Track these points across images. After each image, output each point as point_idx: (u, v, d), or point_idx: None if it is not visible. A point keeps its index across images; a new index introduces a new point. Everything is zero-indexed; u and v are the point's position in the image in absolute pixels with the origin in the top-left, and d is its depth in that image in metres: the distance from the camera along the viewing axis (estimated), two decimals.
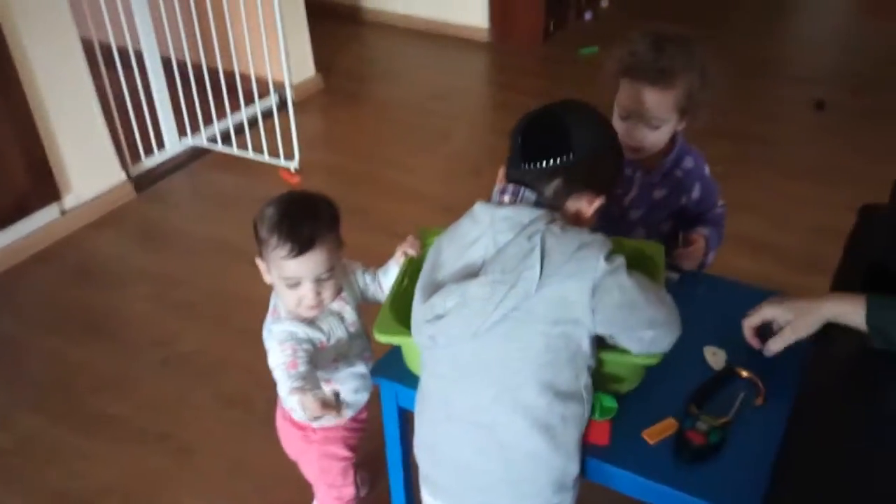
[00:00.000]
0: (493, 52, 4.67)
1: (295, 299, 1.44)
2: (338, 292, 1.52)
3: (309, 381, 1.36)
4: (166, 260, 2.97)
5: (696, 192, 1.72)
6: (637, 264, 1.49)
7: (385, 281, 1.60)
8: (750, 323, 1.40)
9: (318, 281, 1.43)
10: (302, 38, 3.95)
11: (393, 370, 1.46)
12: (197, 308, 2.70)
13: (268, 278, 1.48)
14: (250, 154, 3.46)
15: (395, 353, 1.46)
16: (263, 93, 3.46)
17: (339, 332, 1.52)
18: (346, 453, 1.68)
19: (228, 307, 2.68)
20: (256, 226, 1.44)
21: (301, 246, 1.39)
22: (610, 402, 1.32)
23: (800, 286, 2.50)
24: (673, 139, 1.67)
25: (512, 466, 1.21)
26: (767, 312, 1.37)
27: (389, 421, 1.54)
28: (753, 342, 1.40)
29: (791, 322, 1.34)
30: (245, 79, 3.42)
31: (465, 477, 1.26)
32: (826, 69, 4.49)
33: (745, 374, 1.38)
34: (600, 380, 1.33)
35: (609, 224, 1.73)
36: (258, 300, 2.56)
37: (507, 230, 1.18)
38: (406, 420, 1.51)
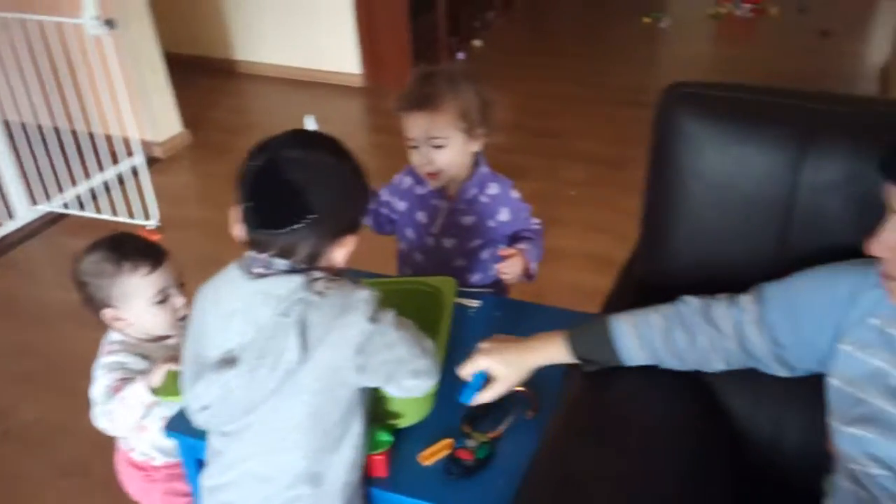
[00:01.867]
0: (366, 96, 4.73)
1: (169, 315, 1.51)
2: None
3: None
4: (14, 329, 2.90)
5: (504, 216, 1.80)
6: (428, 300, 1.55)
7: None
8: (464, 373, 1.37)
9: (180, 288, 1.54)
10: (164, 95, 3.94)
11: (187, 425, 1.42)
12: (40, 376, 2.64)
13: (119, 325, 1.50)
14: (107, 216, 3.42)
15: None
16: (120, 153, 3.43)
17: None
18: (189, 489, 1.66)
19: (73, 374, 2.56)
20: (84, 279, 1.48)
21: (156, 257, 1.49)
22: (384, 437, 1.35)
23: None
24: (475, 167, 1.77)
25: None
26: (481, 363, 1.35)
27: (192, 474, 1.52)
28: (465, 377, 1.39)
29: (503, 376, 1.34)
30: (106, 139, 3.39)
31: None
32: None
33: (520, 388, 1.41)
34: (380, 416, 1.37)
35: (426, 255, 1.83)
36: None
37: (262, 305, 1.14)
38: None
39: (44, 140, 3.38)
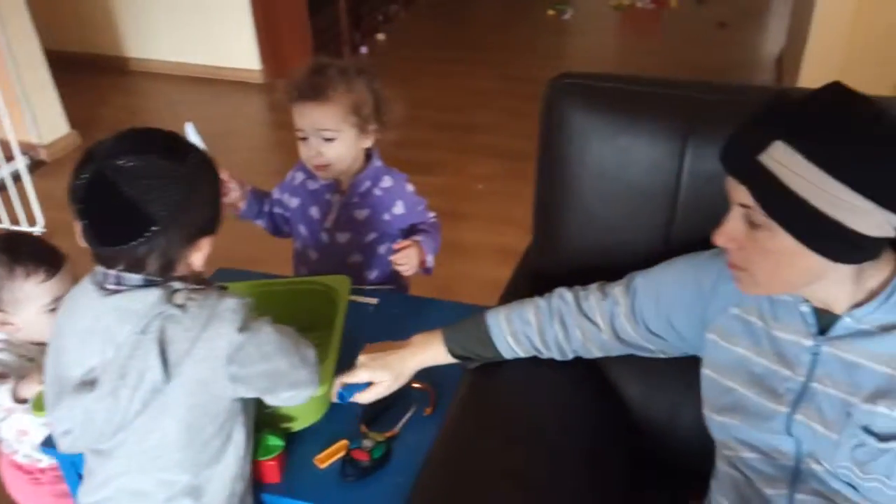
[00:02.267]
0: (267, 92, 4.63)
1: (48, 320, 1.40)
2: None
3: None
4: None
5: (398, 209, 1.79)
6: (322, 299, 1.53)
7: None
8: (347, 381, 1.35)
9: None
10: (48, 94, 3.74)
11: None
12: None
13: (10, 329, 1.43)
14: None
15: None
16: (7, 157, 3.26)
17: None
18: None
19: None
20: None
21: (53, 263, 1.41)
22: (275, 441, 1.32)
23: None
24: (368, 161, 1.76)
25: None
26: (363, 375, 1.34)
27: (72, 488, 1.47)
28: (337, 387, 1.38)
29: (385, 382, 1.34)
30: None
31: None
32: None
33: (417, 385, 1.42)
34: (271, 420, 1.35)
35: (321, 252, 1.80)
36: None
37: (119, 322, 1.07)
38: None
39: None
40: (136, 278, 1.08)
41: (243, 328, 1.10)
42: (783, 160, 0.92)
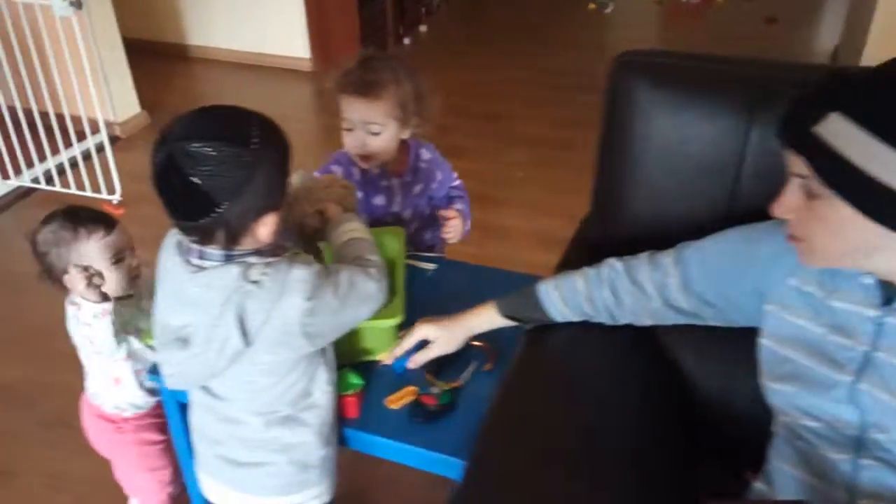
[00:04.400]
0: (315, 80, 4.83)
1: (124, 275, 1.60)
2: None
3: None
4: None
5: (440, 175, 1.97)
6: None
7: None
8: (407, 344, 1.49)
9: (131, 251, 1.62)
10: (123, 76, 4.04)
11: None
12: (19, 341, 2.78)
13: (79, 286, 1.50)
14: (73, 191, 3.55)
15: None
16: (85, 132, 3.55)
17: (140, 322, 1.65)
18: (159, 437, 1.79)
19: (49, 338, 2.71)
20: (45, 249, 1.56)
21: (109, 221, 1.58)
22: (355, 379, 1.47)
23: None
24: (405, 142, 1.87)
25: (257, 450, 1.35)
26: (420, 333, 1.48)
27: (172, 417, 1.65)
28: (396, 355, 1.51)
29: (440, 339, 1.47)
30: (64, 119, 3.50)
31: (220, 452, 1.39)
32: None
33: (477, 343, 1.54)
34: (350, 352, 1.51)
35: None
36: None
37: (203, 295, 1.18)
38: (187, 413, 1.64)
39: (12, 119, 3.48)
40: (216, 254, 1.18)
41: (311, 296, 1.19)
42: (839, 131, 0.92)
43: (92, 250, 1.56)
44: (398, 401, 1.48)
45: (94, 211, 1.62)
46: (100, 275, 1.52)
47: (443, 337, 1.48)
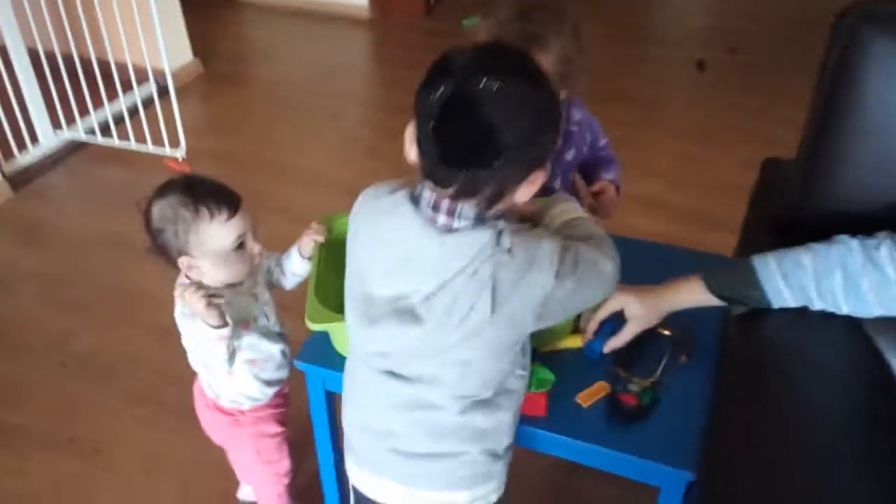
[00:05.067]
0: (374, 28, 4.64)
1: (245, 261, 1.45)
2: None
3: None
4: (52, 259, 2.83)
5: (590, 136, 1.78)
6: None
7: (288, 265, 1.62)
8: (599, 316, 1.38)
9: (254, 234, 1.46)
10: (177, 22, 3.81)
11: (318, 355, 1.46)
12: (91, 306, 2.60)
13: (194, 273, 1.42)
14: (133, 145, 3.32)
15: (318, 337, 1.46)
16: (140, 81, 3.33)
17: (254, 310, 1.53)
18: (278, 429, 1.69)
19: (124, 303, 2.59)
20: (161, 225, 1.40)
21: (234, 201, 1.41)
22: (546, 374, 1.34)
23: (696, 242, 2.63)
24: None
25: (445, 439, 1.22)
26: (617, 303, 1.36)
27: (317, 406, 1.54)
28: (590, 335, 1.39)
29: (638, 315, 1.35)
30: (121, 67, 3.27)
31: (394, 445, 1.25)
32: (700, 30, 4.69)
33: (666, 332, 1.40)
34: (539, 339, 1.34)
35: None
36: (154, 295, 2.54)
37: (449, 260, 1.05)
38: (332, 402, 1.53)
39: (62, 67, 3.25)
40: (470, 214, 1.05)
41: (558, 273, 1.08)
42: None
43: (214, 234, 1.40)
44: (590, 398, 1.34)
45: (215, 185, 1.44)
46: (219, 295, 1.39)
47: (642, 312, 1.35)
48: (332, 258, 1.45)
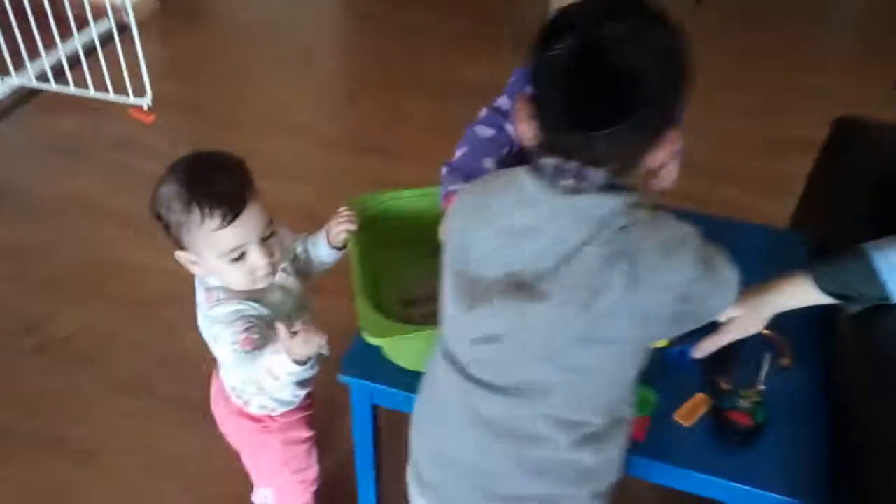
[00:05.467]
0: None
1: (245, 275, 1.23)
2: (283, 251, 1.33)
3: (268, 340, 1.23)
4: (10, 227, 2.55)
5: None
6: None
7: (315, 253, 1.45)
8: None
9: (264, 242, 1.23)
10: None
11: (366, 367, 1.31)
12: (65, 282, 2.35)
13: (196, 269, 1.26)
14: (91, 92, 3.01)
15: (364, 347, 1.28)
16: (97, 17, 3.00)
17: (287, 306, 1.34)
18: (308, 433, 1.55)
19: (102, 277, 2.36)
20: (159, 212, 1.21)
21: (233, 207, 1.17)
22: (650, 395, 1.22)
23: (716, 195, 2.51)
24: None
25: (546, 478, 1.07)
26: None
27: (362, 423, 1.41)
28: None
29: (739, 319, 1.23)
30: (74, 2, 2.93)
31: (486, 485, 1.10)
32: None
33: (765, 332, 1.28)
34: None
35: None
36: (135, 265, 2.30)
37: (576, 228, 0.92)
38: (378, 420, 1.42)
39: (7, 3, 2.90)
40: (598, 176, 0.91)
41: (702, 261, 0.94)
42: None
43: (205, 240, 1.19)
44: (692, 416, 1.22)
45: (219, 175, 1.20)
46: (265, 324, 1.24)
47: (744, 317, 1.22)
48: (371, 254, 1.35)
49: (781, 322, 1.24)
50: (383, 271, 1.41)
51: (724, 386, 1.23)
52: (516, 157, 1.46)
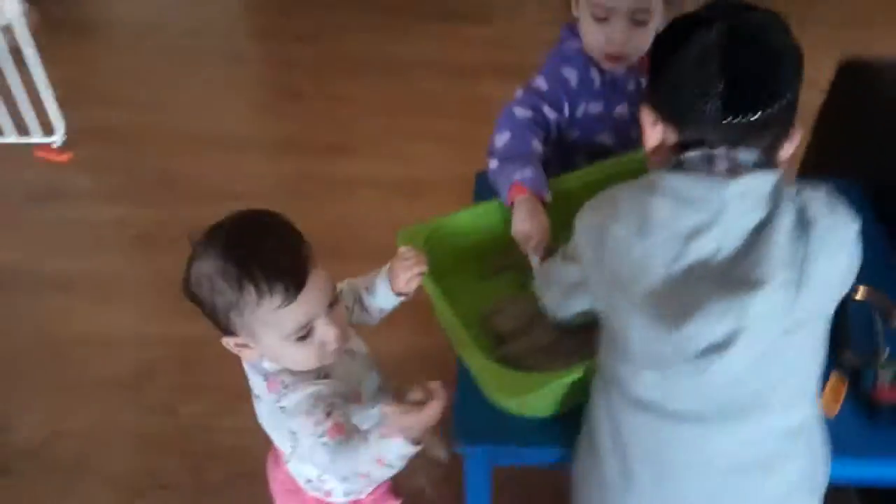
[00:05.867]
0: None
1: (314, 353, 1.06)
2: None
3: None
4: None
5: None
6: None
7: (373, 302, 1.24)
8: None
9: (330, 311, 1.06)
10: None
11: (484, 428, 1.17)
12: (15, 376, 1.97)
13: (252, 355, 1.07)
14: None
15: (476, 408, 1.16)
16: None
17: (358, 373, 1.19)
18: (396, 502, 1.39)
19: (60, 360, 1.99)
20: (197, 293, 1.02)
21: (295, 279, 1.00)
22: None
23: None
24: None
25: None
26: None
27: (480, 489, 1.25)
28: None
29: None
30: None
31: None
32: None
33: (858, 296, 1.26)
34: None
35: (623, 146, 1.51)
36: (97, 338, 1.92)
37: (746, 210, 0.91)
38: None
39: None
40: (749, 157, 0.93)
41: (858, 237, 0.95)
42: None
43: (265, 321, 1.02)
44: (834, 403, 1.15)
45: (274, 240, 1.03)
46: (344, 401, 1.10)
47: None
48: (463, 303, 1.24)
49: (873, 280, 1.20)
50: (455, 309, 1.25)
51: (852, 360, 1.19)
52: (555, 142, 1.48)
